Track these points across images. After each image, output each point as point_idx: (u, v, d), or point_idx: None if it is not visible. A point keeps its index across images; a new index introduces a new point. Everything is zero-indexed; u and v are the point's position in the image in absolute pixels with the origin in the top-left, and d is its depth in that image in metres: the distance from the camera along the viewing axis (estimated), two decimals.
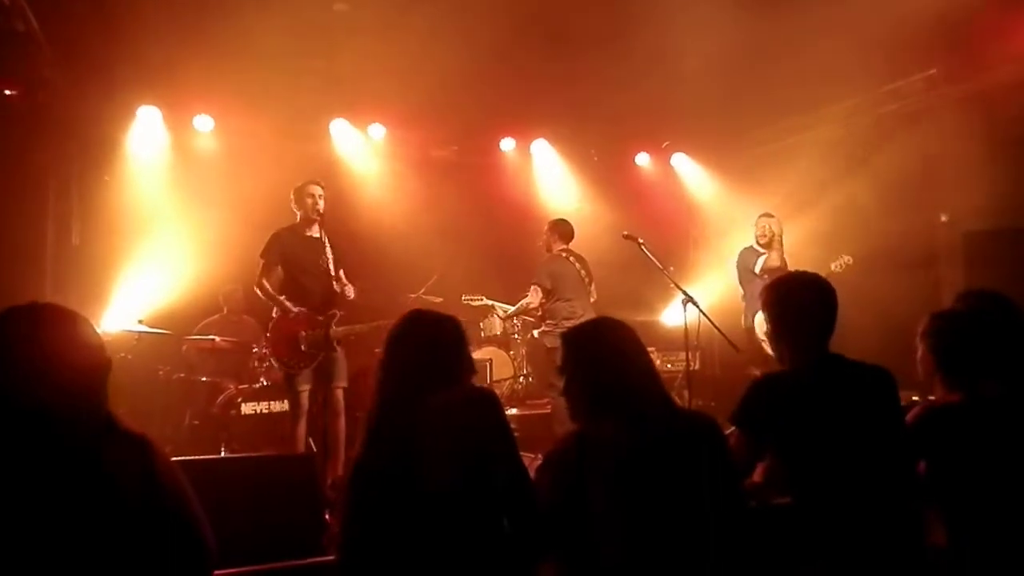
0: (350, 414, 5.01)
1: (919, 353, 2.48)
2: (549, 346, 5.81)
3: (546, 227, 6.11)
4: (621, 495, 1.92)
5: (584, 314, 5.88)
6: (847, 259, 5.96)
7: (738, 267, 6.34)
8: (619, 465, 1.96)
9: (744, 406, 2.28)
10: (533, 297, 5.86)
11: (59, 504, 1.52)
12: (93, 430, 1.61)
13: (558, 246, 6.00)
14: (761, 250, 6.23)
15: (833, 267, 5.92)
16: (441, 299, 6.66)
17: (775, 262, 6.05)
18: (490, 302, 6.92)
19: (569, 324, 5.80)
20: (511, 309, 6.43)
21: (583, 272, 5.99)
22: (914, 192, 6.46)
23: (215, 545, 1.74)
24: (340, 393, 4.88)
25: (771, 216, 6.28)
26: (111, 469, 1.57)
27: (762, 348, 5.26)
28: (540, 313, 6.00)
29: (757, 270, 6.13)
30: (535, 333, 6.48)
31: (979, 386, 2.33)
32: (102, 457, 1.58)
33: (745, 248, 6.36)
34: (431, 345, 2.15)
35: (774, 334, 2.40)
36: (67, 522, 1.52)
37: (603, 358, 2.13)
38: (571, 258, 5.99)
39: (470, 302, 6.89)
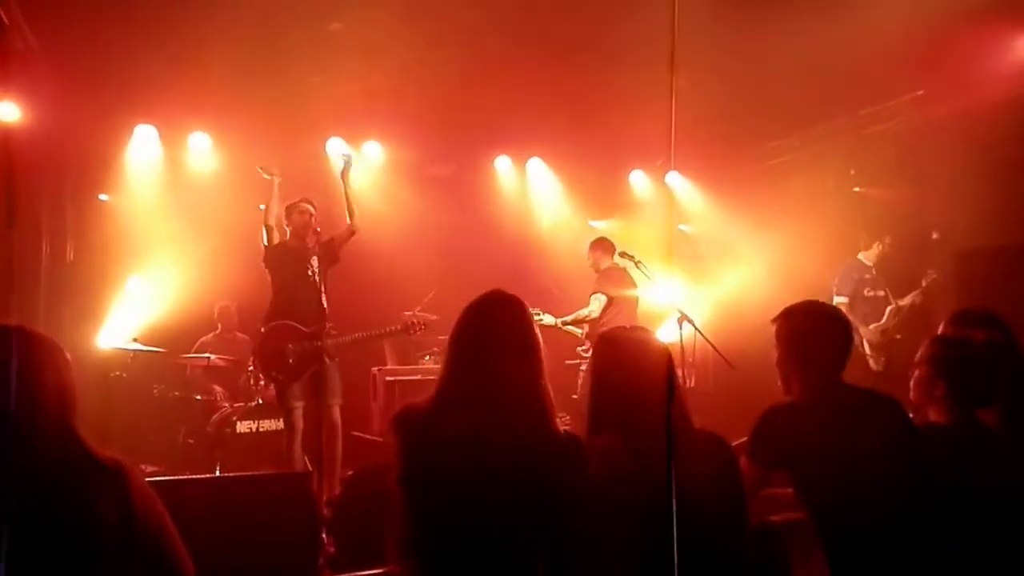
0: (343, 431, 4.99)
1: (917, 376, 2.46)
2: None
3: (590, 247, 6.06)
4: (612, 513, 1.88)
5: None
6: (932, 274, 6.06)
7: (846, 278, 6.29)
8: (610, 482, 1.91)
9: (756, 437, 2.26)
10: (596, 306, 5.73)
11: (33, 536, 1.48)
12: (64, 459, 1.56)
13: (607, 260, 5.96)
14: (868, 263, 6.27)
15: (925, 282, 6.07)
16: (436, 316, 6.67)
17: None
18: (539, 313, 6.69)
19: None
20: (567, 318, 6.04)
21: (635, 285, 5.93)
22: (904, 211, 6.53)
23: (194, 574, 1.69)
24: (336, 411, 4.84)
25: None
26: (85, 500, 1.53)
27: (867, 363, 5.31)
28: (590, 328, 5.82)
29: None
30: (580, 349, 6.21)
31: (979, 413, 2.34)
32: (76, 487, 1.53)
33: (855, 261, 6.35)
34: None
35: (786, 363, 2.36)
36: (41, 555, 1.48)
37: (605, 370, 2.08)
38: (627, 270, 5.91)
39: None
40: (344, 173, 5.20)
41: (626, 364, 2.02)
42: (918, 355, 2.47)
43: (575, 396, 6.81)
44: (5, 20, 4.24)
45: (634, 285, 5.89)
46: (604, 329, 5.65)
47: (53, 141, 5.80)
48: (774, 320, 2.43)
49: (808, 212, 6.89)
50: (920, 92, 6.43)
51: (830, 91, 6.34)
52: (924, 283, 6.04)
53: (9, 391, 1.52)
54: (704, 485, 1.92)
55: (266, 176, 5.15)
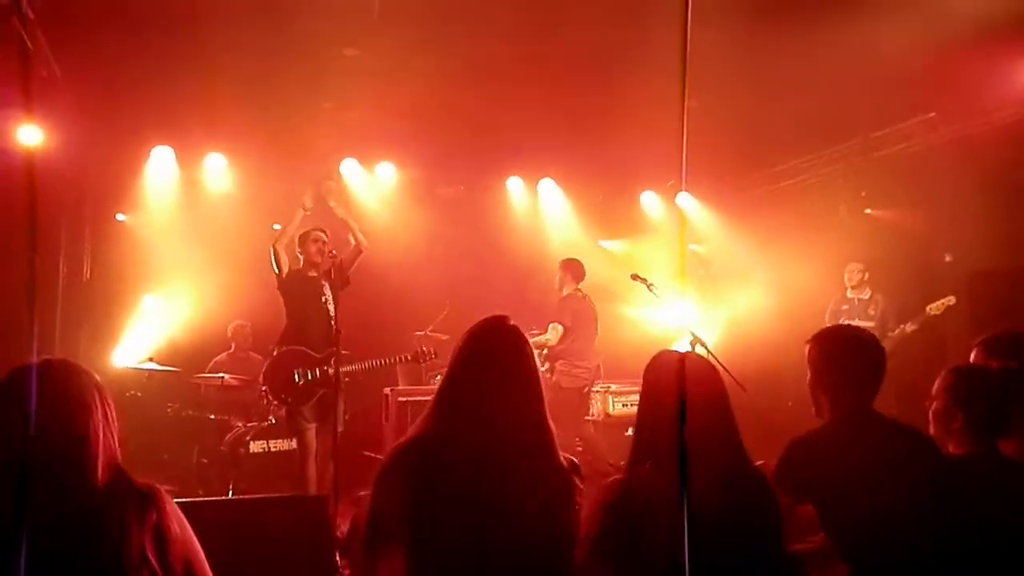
0: (355, 451, 5.02)
1: (935, 408, 2.44)
2: (565, 386, 5.80)
3: (559, 266, 6.13)
4: (648, 547, 1.84)
5: (592, 356, 5.90)
6: (950, 300, 5.85)
7: (829, 312, 6.33)
8: (655, 513, 1.84)
9: (782, 469, 2.25)
10: (553, 335, 5.82)
11: (75, 561, 1.53)
12: (107, 486, 1.61)
13: (571, 286, 6.03)
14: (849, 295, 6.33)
15: (931, 310, 5.88)
16: (448, 336, 6.70)
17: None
18: None
19: (583, 364, 5.83)
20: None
21: (594, 314, 6.02)
22: (915, 233, 6.52)
23: None
24: (332, 438, 4.87)
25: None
26: (125, 525, 1.57)
27: None
28: (548, 352, 5.94)
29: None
30: (543, 370, 6.43)
31: (999, 444, 2.32)
32: (116, 513, 1.58)
33: (840, 294, 6.42)
34: None
35: (817, 387, 2.34)
36: None
37: (651, 398, 2.02)
38: (587, 298, 6.01)
39: None
40: (337, 200, 5.28)
41: (674, 392, 1.94)
42: (935, 387, 2.46)
43: (587, 418, 6.83)
44: (31, 47, 4.34)
45: (593, 316, 6.01)
46: (581, 365, 5.70)
47: (73, 163, 5.90)
48: (809, 341, 2.42)
49: (819, 234, 6.89)
50: (931, 115, 6.45)
51: (841, 113, 6.37)
52: (929, 310, 5.92)
53: (61, 424, 1.57)
54: (744, 525, 1.90)
55: (305, 209, 5.19)
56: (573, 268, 6.11)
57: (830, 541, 2.22)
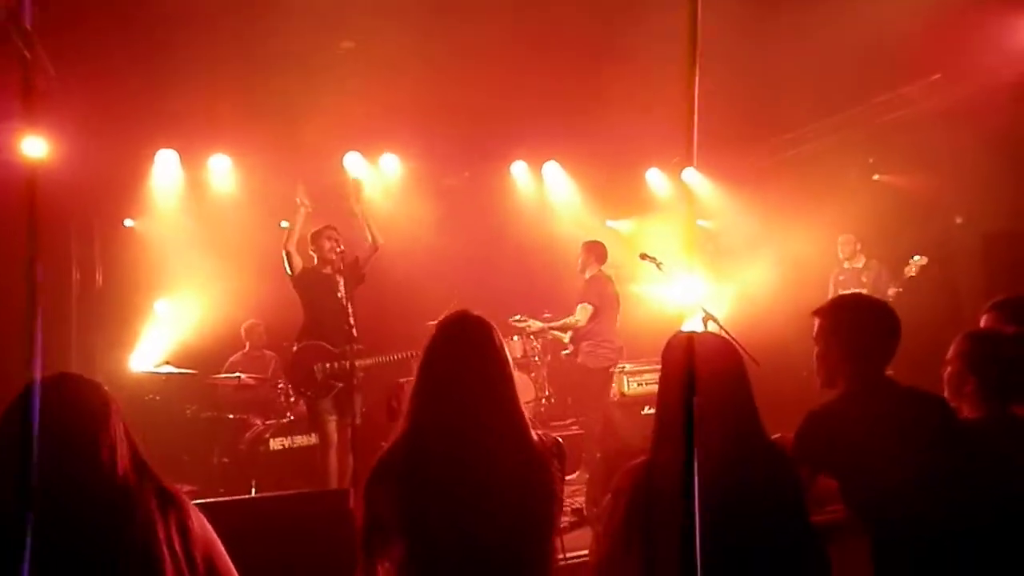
0: (373, 443, 5.05)
1: (948, 373, 2.44)
2: (591, 367, 5.80)
3: (582, 248, 6.08)
4: (666, 533, 1.82)
5: (616, 337, 5.91)
6: (922, 259, 5.93)
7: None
8: (678, 495, 1.81)
9: (800, 441, 2.24)
10: (582, 315, 5.80)
11: (109, 562, 1.56)
12: (125, 484, 1.64)
13: (595, 267, 6.00)
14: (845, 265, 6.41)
15: (907, 271, 5.94)
16: None
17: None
18: (525, 320, 6.56)
19: (608, 345, 5.84)
20: (554, 323, 6.23)
21: (617, 295, 6.01)
22: (927, 197, 6.46)
23: None
24: (350, 430, 4.94)
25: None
26: (155, 527, 1.61)
27: None
28: (574, 334, 5.93)
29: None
30: (564, 353, 6.33)
31: (1013, 408, 2.31)
32: (147, 515, 1.61)
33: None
34: None
35: (831, 357, 2.32)
36: None
37: (671, 381, 2.02)
38: (611, 280, 6.01)
39: (516, 323, 6.54)
40: (357, 198, 5.30)
41: (695, 373, 1.94)
42: (949, 352, 2.45)
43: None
44: (28, 57, 4.35)
45: (617, 298, 6.00)
46: (606, 346, 5.73)
47: (78, 171, 5.92)
48: (817, 313, 2.39)
49: (827, 203, 6.84)
50: (936, 76, 6.36)
51: (844, 80, 6.29)
52: (906, 272, 5.96)
53: (79, 429, 1.59)
54: (766, 499, 1.90)
55: (303, 205, 5.21)
56: (596, 250, 6.07)
57: (851, 511, 2.22)
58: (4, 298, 4.71)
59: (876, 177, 7.05)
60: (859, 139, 7.11)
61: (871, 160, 7.05)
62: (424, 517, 1.81)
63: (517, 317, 6.39)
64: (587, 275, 5.98)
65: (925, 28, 5.26)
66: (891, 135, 6.79)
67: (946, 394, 2.45)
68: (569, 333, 6.02)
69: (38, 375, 1.69)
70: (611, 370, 6.04)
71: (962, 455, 2.21)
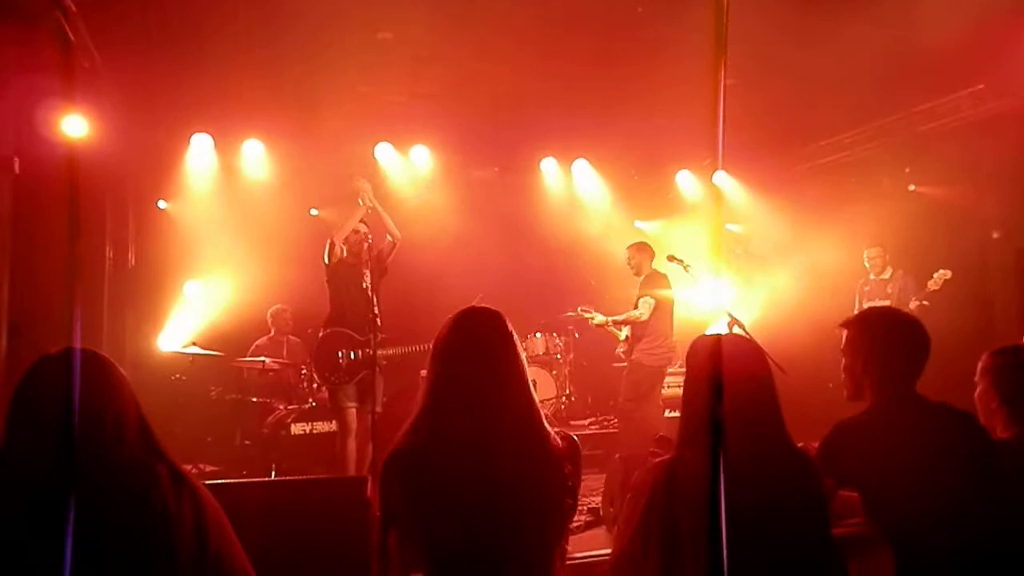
0: (392, 432, 5.09)
1: (979, 390, 2.41)
2: (647, 364, 5.74)
3: (633, 250, 6.02)
4: (703, 529, 1.82)
5: (672, 335, 5.88)
6: (945, 273, 5.84)
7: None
8: (704, 499, 1.82)
9: (825, 452, 2.21)
10: (645, 309, 5.74)
11: (120, 543, 1.57)
12: (148, 469, 1.65)
13: (648, 266, 5.96)
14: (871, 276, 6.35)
15: (930, 285, 5.85)
16: None
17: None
18: (590, 311, 6.37)
19: (666, 344, 5.81)
20: (617, 317, 6.01)
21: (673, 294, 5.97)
22: (963, 209, 6.34)
23: None
24: (370, 418, 4.98)
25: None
26: (167, 507, 1.61)
27: None
28: (632, 331, 5.87)
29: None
30: (619, 351, 6.19)
31: None
32: (160, 495, 1.62)
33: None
34: None
35: (859, 370, 2.28)
36: (128, 562, 1.57)
37: (697, 380, 2.01)
38: (667, 278, 5.95)
39: (584, 313, 6.38)
40: (368, 198, 5.34)
41: (719, 374, 1.94)
42: (978, 369, 2.41)
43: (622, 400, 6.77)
44: (72, 39, 4.43)
45: (673, 296, 5.93)
46: (666, 344, 5.70)
47: (115, 152, 6.02)
48: (845, 325, 2.36)
49: (861, 212, 6.74)
50: (979, 86, 6.24)
51: (884, 87, 6.20)
52: (930, 285, 5.85)
53: (100, 409, 1.62)
54: (788, 507, 1.88)
55: (365, 203, 5.26)
56: (648, 249, 6.02)
57: (875, 525, 2.19)
58: (42, 273, 4.84)
59: (912, 187, 6.92)
60: (896, 148, 6.99)
61: (907, 170, 6.93)
62: (432, 510, 1.82)
63: (582, 308, 6.33)
64: (645, 273, 5.91)
65: (969, 37, 5.16)
66: (930, 145, 6.66)
67: (979, 413, 2.40)
68: (625, 330, 5.96)
69: (77, 344, 1.71)
70: (666, 369, 6.01)
71: (991, 474, 2.17)
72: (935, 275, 5.87)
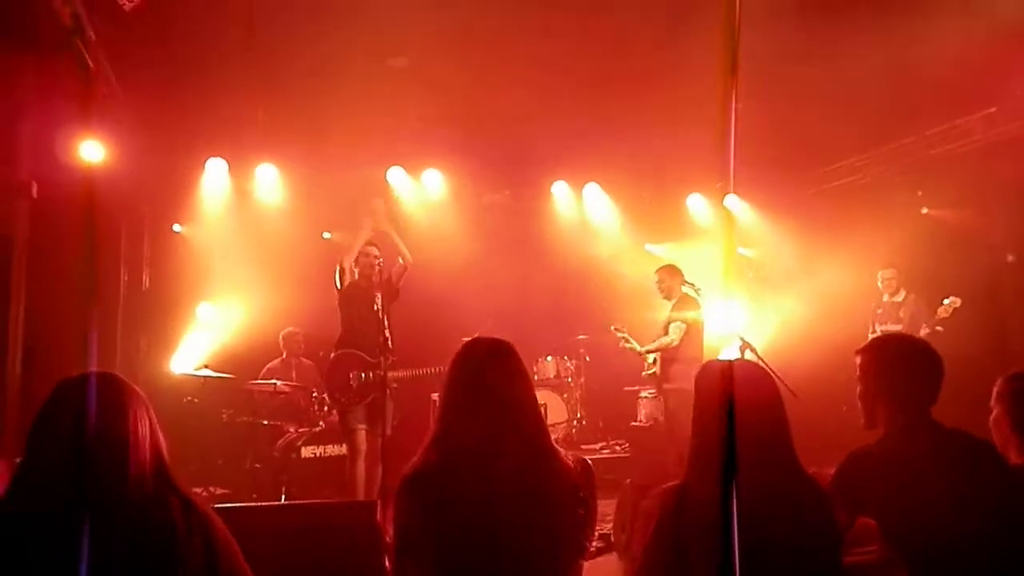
0: (403, 455, 5.07)
1: (994, 415, 2.38)
2: (689, 389, 5.68)
3: (664, 273, 5.97)
4: (714, 559, 1.81)
5: (703, 358, 5.84)
6: (955, 301, 5.77)
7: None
8: (713, 526, 1.82)
9: (840, 482, 2.18)
10: (676, 335, 5.73)
11: (142, 567, 1.58)
12: (158, 494, 1.65)
13: (678, 290, 5.91)
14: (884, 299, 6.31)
15: (940, 312, 5.79)
16: None
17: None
18: (627, 338, 6.29)
19: (697, 366, 5.74)
20: (651, 346, 5.97)
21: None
22: (976, 232, 6.30)
23: None
24: (380, 441, 4.97)
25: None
26: (176, 533, 1.62)
27: None
28: (663, 355, 5.83)
29: None
30: (647, 373, 6.13)
31: None
32: (159, 515, 1.62)
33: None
34: None
35: (872, 397, 2.27)
36: None
37: (707, 406, 2.01)
38: (697, 301, 5.91)
39: (617, 332, 6.32)
40: (385, 219, 5.38)
41: (729, 401, 1.94)
42: (993, 394, 2.39)
43: (634, 423, 6.74)
44: (91, 66, 4.51)
45: (703, 320, 5.89)
46: (697, 361, 5.66)
47: (131, 176, 6.10)
48: (860, 352, 2.34)
49: (873, 235, 6.71)
50: (992, 109, 6.23)
51: (895, 110, 6.20)
52: (940, 313, 5.79)
53: (107, 430, 1.63)
54: (798, 537, 1.86)
55: (375, 225, 5.33)
56: (675, 272, 5.97)
57: (893, 552, 2.15)
58: (57, 296, 4.89)
59: (925, 211, 6.89)
60: (909, 171, 6.98)
61: (920, 193, 6.90)
62: (446, 529, 1.84)
63: (615, 327, 6.23)
64: (675, 297, 5.86)
65: (981, 60, 5.17)
66: (943, 168, 6.65)
67: (994, 438, 2.37)
68: (655, 356, 5.92)
69: (93, 367, 1.72)
70: None
71: (1010, 501, 2.14)
72: (945, 302, 5.82)
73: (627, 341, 6.08)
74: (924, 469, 2.12)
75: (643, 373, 6.15)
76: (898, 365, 2.25)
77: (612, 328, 6.24)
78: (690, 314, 5.74)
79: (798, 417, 2.06)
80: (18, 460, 1.69)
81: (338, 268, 5.27)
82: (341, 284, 5.26)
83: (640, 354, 6.00)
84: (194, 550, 1.62)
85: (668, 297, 5.90)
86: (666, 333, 5.80)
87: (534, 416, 1.99)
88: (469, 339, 2.11)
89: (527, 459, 1.92)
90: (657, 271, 6.02)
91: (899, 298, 6.23)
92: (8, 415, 4.26)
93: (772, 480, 1.91)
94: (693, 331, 5.72)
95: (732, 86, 5.87)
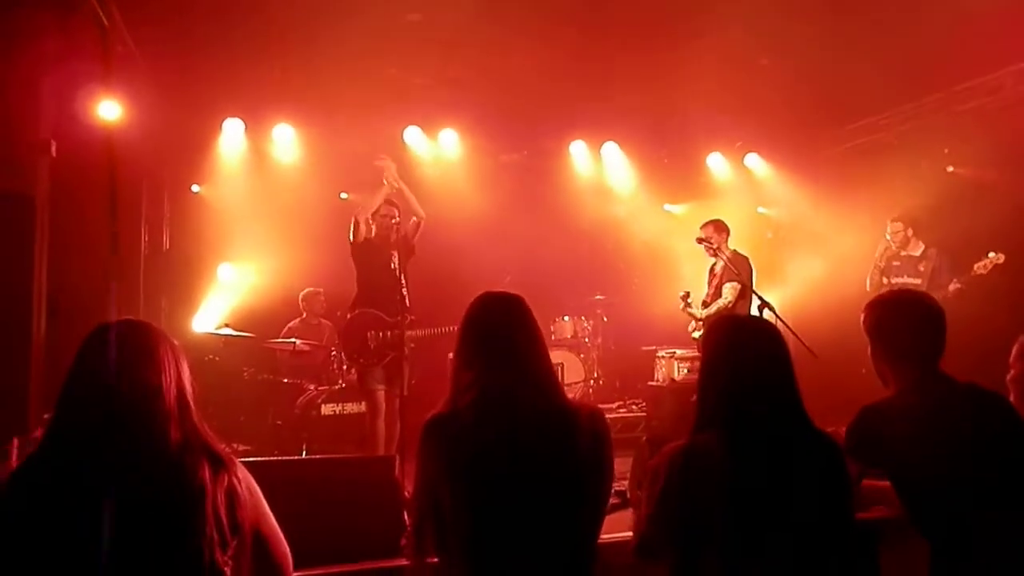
0: (421, 414, 5.14)
1: (1012, 374, 2.38)
2: None
3: (710, 229, 5.82)
4: (720, 515, 1.84)
5: None
6: (998, 256, 5.55)
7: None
8: (720, 483, 1.86)
9: (852, 436, 2.19)
10: (731, 295, 5.65)
11: (147, 514, 1.60)
12: (176, 441, 1.68)
13: (728, 248, 5.82)
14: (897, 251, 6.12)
15: (977, 268, 5.60)
16: None
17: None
18: (694, 307, 6.10)
19: None
20: (710, 311, 5.84)
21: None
22: (1004, 192, 6.17)
23: (291, 561, 1.85)
24: (398, 400, 5.02)
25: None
26: (196, 480, 1.65)
27: None
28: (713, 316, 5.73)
29: None
30: (695, 336, 6.04)
31: None
32: (187, 468, 1.65)
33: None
34: None
35: (878, 357, 2.29)
36: (164, 535, 1.61)
37: (714, 362, 2.02)
38: (748, 258, 5.83)
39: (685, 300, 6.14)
40: (391, 178, 5.34)
41: (736, 356, 1.98)
42: (1012, 354, 2.37)
43: (651, 383, 6.76)
44: (107, 25, 4.49)
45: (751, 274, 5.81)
46: (715, 319, 5.58)
47: (150, 137, 6.11)
48: (862, 311, 2.35)
49: (897, 194, 6.59)
50: (1023, 64, 6.05)
51: (921, 65, 6.03)
52: (976, 268, 5.59)
53: (138, 378, 1.66)
54: (808, 493, 1.87)
55: (391, 184, 5.29)
56: (726, 228, 5.83)
57: (906, 509, 2.16)
58: (79, 255, 4.95)
59: (951, 169, 6.74)
60: (934, 128, 6.81)
61: (946, 151, 6.74)
62: (469, 472, 1.88)
63: (683, 293, 6.04)
64: (726, 254, 5.74)
65: (1012, 11, 5.00)
66: (970, 125, 6.49)
67: (1012, 398, 2.36)
68: (702, 311, 5.86)
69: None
70: None
71: (1020, 451, 2.13)
72: (988, 257, 5.58)
73: (691, 306, 5.96)
74: (935, 421, 2.12)
75: (693, 335, 6.07)
76: (896, 321, 2.25)
77: (680, 295, 6.05)
78: (744, 275, 5.64)
79: (818, 378, 2.07)
80: (45, 416, 1.72)
81: (352, 222, 5.25)
82: (355, 238, 5.24)
83: (700, 321, 5.93)
84: (219, 498, 1.65)
85: (714, 255, 5.76)
86: (718, 292, 5.71)
87: (545, 365, 2.04)
88: (480, 295, 2.15)
89: (542, 406, 1.95)
90: (703, 227, 5.86)
91: (917, 252, 6.07)
92: (32, 373, 4.35)
93: (779, 436, 1.91)
94: (745, 292, 5.62)
95: (755, 45, 5.77)
